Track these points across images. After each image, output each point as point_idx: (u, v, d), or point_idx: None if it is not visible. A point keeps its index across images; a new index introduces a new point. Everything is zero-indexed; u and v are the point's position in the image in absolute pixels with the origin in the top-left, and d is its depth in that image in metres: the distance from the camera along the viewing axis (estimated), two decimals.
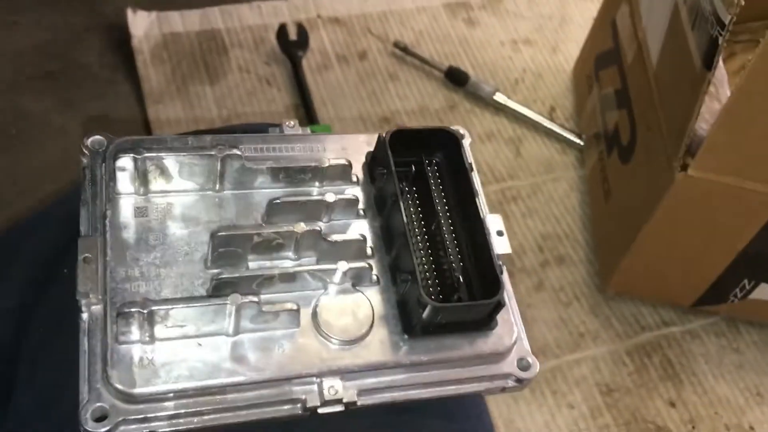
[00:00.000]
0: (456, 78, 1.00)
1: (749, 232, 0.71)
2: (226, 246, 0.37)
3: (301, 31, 1.00)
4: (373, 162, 0.42)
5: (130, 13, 0.97)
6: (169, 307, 0.35)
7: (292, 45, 0.99)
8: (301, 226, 0.38)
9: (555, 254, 0.89)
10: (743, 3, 0.57)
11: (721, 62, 0.70)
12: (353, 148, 0.43)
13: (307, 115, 0.95)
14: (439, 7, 1.09)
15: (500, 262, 0.40)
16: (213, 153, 0.39)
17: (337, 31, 1.04)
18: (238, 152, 0.39)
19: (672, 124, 0.70)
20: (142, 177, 0.39)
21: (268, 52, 1.00)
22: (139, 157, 0.38)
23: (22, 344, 0.42)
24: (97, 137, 0.41)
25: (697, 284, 0.79)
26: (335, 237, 0.39)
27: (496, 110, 1.00)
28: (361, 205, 0.41)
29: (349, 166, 0.42)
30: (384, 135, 0.41)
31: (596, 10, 0.98)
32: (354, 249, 0.39)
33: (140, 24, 0.97)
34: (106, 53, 0.95)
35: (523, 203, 0.92)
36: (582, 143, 0.97)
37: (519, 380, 0.40)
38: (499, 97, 0.99)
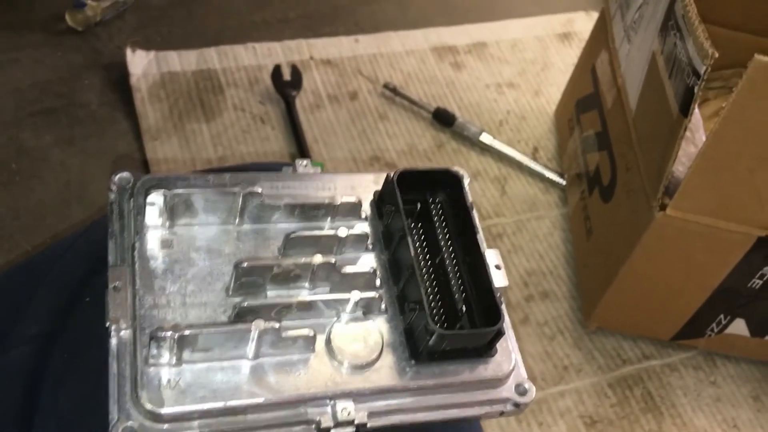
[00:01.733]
0: (443, 119, 1.05)
1: (725, 269, 0.75)
2: (249, 275, 0.40)
3: (295, 72, 1.04)
4: (381, 200, 0.46)
5: (129, 52, 1.00)
6: (198, 331, 0.37)
7: (286, 85, 1.03)
8: (319, 258, 0.41)
9: (539, 290, 0.92)
10: (717, 55, 0.62)
11: (696, 108, 0.75)
12: (362, 187, 0.47)
13: (300, 153, 0.98)
14: (426, 50, 1.13)
15: (499, 294, 0.43)
16: (236, 190, 0.42)
17: (329, 73, 1.08)
18: (259, 190, 0.42)
19: (650, 166, 0.74)
20: (169, 211, 0.41)
21: (263, 92, 1.03)
22: (168, 193, 0.41)
23: (45, 371, 0.44)
24: (125, 174, 0.44)
25: (675, 319, 0.83)
26: (349, 269, 0.42)
27: (482, 150, 1.04)
28: (369, 240, 0.44)
29: (359, 203, 0.45)
30: (392, 175, 0.44)
31: (576, 56, 1.04)
32: (364, 280, 0.42)
33: (139, 63, 1.00)
34: (105, 91, 0.98)
35: (509, 240, 0.96)
36: (564, 183, 1.01)
37: (517, 404, 0.43)
38: (485, 138, 1.03)
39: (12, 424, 0.42)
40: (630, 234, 0.76)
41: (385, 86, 1.06)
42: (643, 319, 0.85)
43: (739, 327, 0.82)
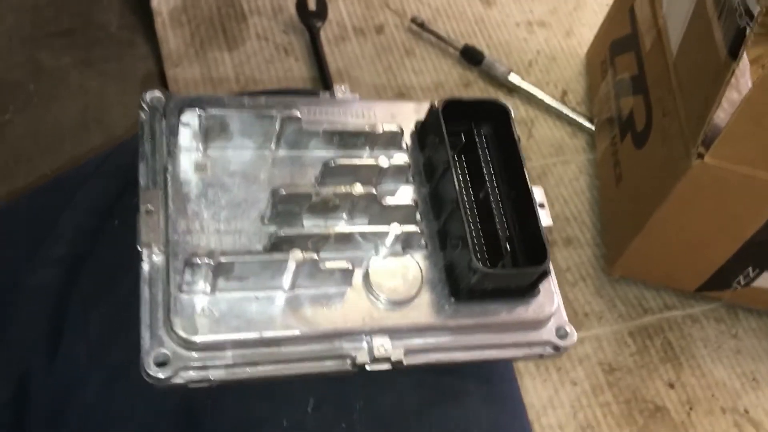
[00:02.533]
0: (471, 57, 1.01)
1: (758, 220, 0.73)
2: (286, 203, 0.38)
3: (321, 1, 1.00)
4: (423, 130, 0.43)
5: None
6: (234, 259, 0.36)
7: (310, 15, 0.99)
8: (358, 188, 0.39)
9: (563, 235, 0.90)
10: None
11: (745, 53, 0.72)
12: (402, 116, 0.45)
13: (324, 86, 0.95)
14: None
15: (545, 233, 0.41)
16: (273, 114, 0.40)
17: (355, 4, 1.04)
18: (298, 114, 0.40)
19: (690, 111, 0.71)
20: (204, 133, 0.39)
21: (287, 21, 1.00)
22: (203, 113, 0.38)
23: (73, 292, 0.43)
24: (156, 93, 0.42)
25: (702, 270, 0.81)
26: (390, 200, 0.40)
27: (510, 91, 1.01)
28: (410, 171, 0.43)
29: (401, 133, 0.43)
30: (437, 104, 0.42)
31: None
32: (405, 213, 0.41)
33: None
34: (124, 12, 0.94)
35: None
36: (593, 127, 0.98)
37: (557, 348, 0.42)
38: (513, 78, 1.00)
39: (41, 343, 0.41)
40: (664, 181, 0.74)
41: (413, 21, 1.03)
42: (669, 269, 0.83)
43: (766, 280, 0.80)
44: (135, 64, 0.91)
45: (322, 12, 1.00)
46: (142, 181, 0.40)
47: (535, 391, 0.80)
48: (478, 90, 1.00)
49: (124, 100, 0.88)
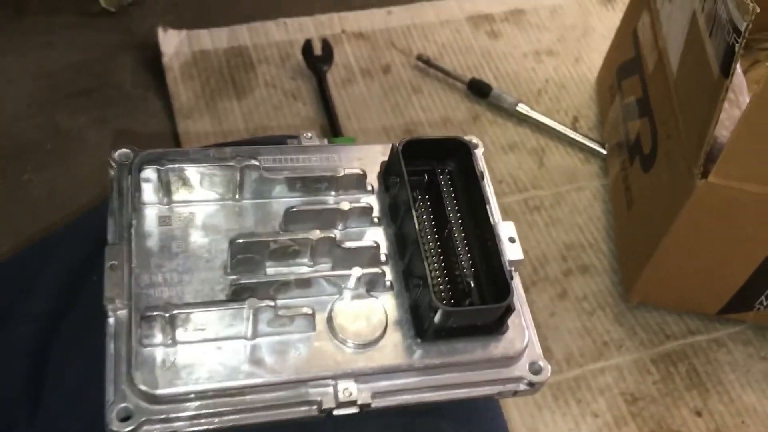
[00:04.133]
0: (479, 89, 1.02)
1: None
2: (245, 252, 0.39)
3: (326, 46, 1.02)
4: (387, 171, 0.44)
5: (161, 31, 1.00)
6: (190, 310, 0.36)
7: (317, 60, 1.01)
8: (316, 233, 0.39)
9: (578, 263, 0.89)
10: (758, 10, 0.57)
11: (739, 69, 0.71)
12: (369, 158, 0.45)
13: (332, 128, 0.97)
14: (462, 20, 1.10)
15: (511, 268, 0.41)
16: (232, 164, 0.41)
17: (361, 46, 1.06)
18: (256, 163, 0.41)
19: (691, 131, 0.70)
20: (165, 187, 0.40)
21: (294, 68, 1.02)
22: (162, 168, 0.40)
23: (52, 348, 0.44)
24: (124, 150, 0.43)
25: (721, 292, 0.79)
26: (349, 244, 0.40)
27: (519, 121, 1.01)
28: (375, 213, 0.43)
29: (364, 175, 0.43)
30: (398, 145, 0.42)
31: (617, 20, 0.99)
32: (368, 256, 0.41)
33: (171, 42, 1.00)
34: (138, 71, 0.98)
35: (547, 213, 0.93)
36: (605, 152, 0.97)
37: (531, 384, 0.41)
38: (522, 108, 1.00)
39: (19, 399, 0.42)
40: (671, 204, 0.73)
41: (419, 58, 1.04)
42: (687, 293, 0.81)
43: None
44: (148, 120, 0.94)
45: (328, 56, 1.02)
46: (109, 237, 0.41)
47: (555, 424, 0.78)
48: (487, 122, 1.00)
49: None
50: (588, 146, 0.98)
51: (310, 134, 0.46)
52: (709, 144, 0.67)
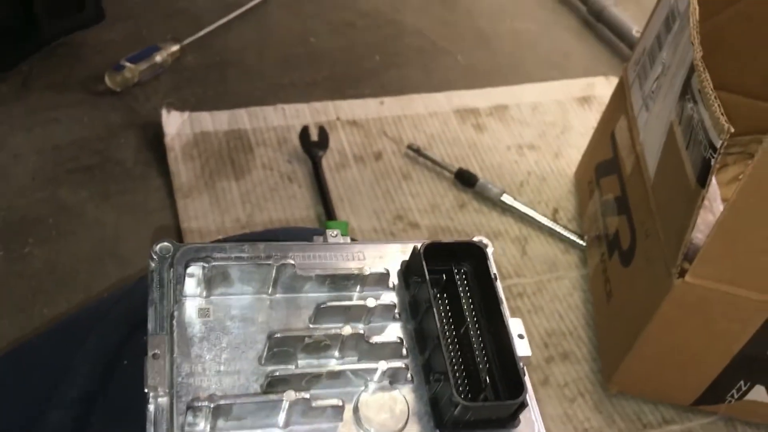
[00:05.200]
0: (465, 179, 1.07)
1: (744, 336, 0.76)
2: (281, 346, 0.42)
3: (322, 132, 1.07)
4: (408, 270, 0.48)
5: (164, 112, 1.04)
6: (233, 402, 0.39)
7: (313, 145, 1.06)
8: (348, 330, 0.43)
9: (559, 350, 0.93)
10: (732, 130, 0.64)
11: (714, 179, 0.77)
12: (389, 257, 0.49)
13: (326, 211, 1.01)
14: (449, 113, 1.17)
15: (522, 365, 0.44)
16: (270, 263, 0.44)
17: (354, 133, 1.11)
18: (292, 261, 0.45)
19: (669, 233, 0.76)
20: (207, 282, 0.44)
21: (291, 151, 1.07)
22: (207, 265, 0.43)
23: None
24: (165, 244, 0.46)
25: (695, 385, 0.83)
26: (376, 339, 0.44)
27: (503, 210, 1.06)
28: (396, 309, 0.46)
29: (387, 274, 0.47)
30: (419, 247, 0.46)
31: (595, 120, 1.06)
32: (391, 350, 0.44)
33: (173, 123, 1.04)
34: (140, 149, 1.02)
35: (529, 300, 0.97)
36: (584, 244, 1.02)
37: None
38: (506, 199, 1.06)
39: None
40: (649, 300, 0.77)
41: (409, 147, 1.09)
42: (664, 385, 0.85)
43: (759, 394, 0.82)
44: (148, 198, 0.97)
45: (323, 142, 1.07)
46: (150, 326, 0.43)
47: None
48: (473, 210, 1.06)
49: (137, 231, 0.94)
50: (567, 237, 1.04)
51: (335, 233, 0.50)
52: (686, 246, 0.72)
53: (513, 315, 0.48)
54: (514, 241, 1.03)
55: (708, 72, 0.69)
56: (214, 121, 1.07)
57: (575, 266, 1.02)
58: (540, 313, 0.96)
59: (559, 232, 1.04)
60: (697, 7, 0.80)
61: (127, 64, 1.07)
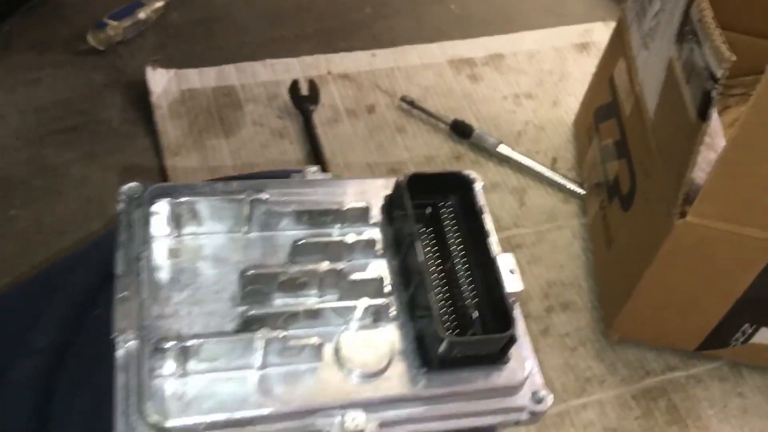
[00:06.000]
0: (461, 130, 1.04)
1: (748, 277, 0.73)
2: (255, 283, 0.40)
3: (312, 86, 1.04)
4: (390, 204, 0.45)
5: (149, 70, 1.01)
6: (202, 341, 0.37)
7: (303, 100, 1.03)
8: (324, 266, 0.41)
9: (560, 300, 0.91)
10: (734, 59, 0.61)
11: (715, 114, 0.74)
12: (372, 192, 0.47)
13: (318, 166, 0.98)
14: (444, 63, 1.13)
15: (513, 299, 0.42)
16: (242, 197, 0.42)
17: (346, 87, 1.08)
18: (265, 196, 0.42)
19: (669, 173, 0.73)
20: (176, 220, 0.42)
21: (281, 107, 1.04)
22: (174, 201, 0.41)
23: (56, 382, 0.44)
24: (133, 184, 0.44)
25: (699, 329, 0.81)
26: (355, 276, 0.42)
27: (500, 161, 1.03)
28: (379, 246, 0.44)
29: (367, 208, 0.45)
30: (402, 179, 0.44)
31: (594, 66, 1.03)
32: (373, 287, 0.42)
33: (159, 81, 1.01)
34: (126, 108, 0.99)
35: (528, 251, 0.95)
36: (584, 192, 1.00)
37: (533, 413, 0.42)
38: (503, 149, 1.03)
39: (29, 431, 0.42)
40: (650, 242, 0.75)
41: (403, 99, 1.06)
42: (666, 330, 0.83)
43: (765, 336, 0.79)
44: (136, 156, 0.95)
45: (314, 96, 1.04)
46: (119, 269, 0.41)
47: None
48: (469, 162, 1.03)
49: None
50: (567, 186, 1.01)
51: (314, 168, 0.47)
52: (687, 185, 0.69)
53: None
54: (513, 192, 1.01)
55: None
56: (202, 78, 1.04)
57: (575, 215, 0.99)
58: (540, 264, 0.94)
59: (558, 182, 1.01)
60: None
61: (110, 22, 1.03)
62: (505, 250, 0.97)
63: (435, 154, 1.03)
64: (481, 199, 0.45)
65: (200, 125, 1.00)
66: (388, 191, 0.46)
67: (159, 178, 0.94)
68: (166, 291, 0.40)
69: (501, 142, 1.03)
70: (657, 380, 0.85)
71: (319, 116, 1.04)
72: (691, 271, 0.75)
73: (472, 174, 0.47)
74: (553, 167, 1.03)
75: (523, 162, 1.02)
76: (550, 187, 1.02)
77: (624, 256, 0.84)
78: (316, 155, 0.99)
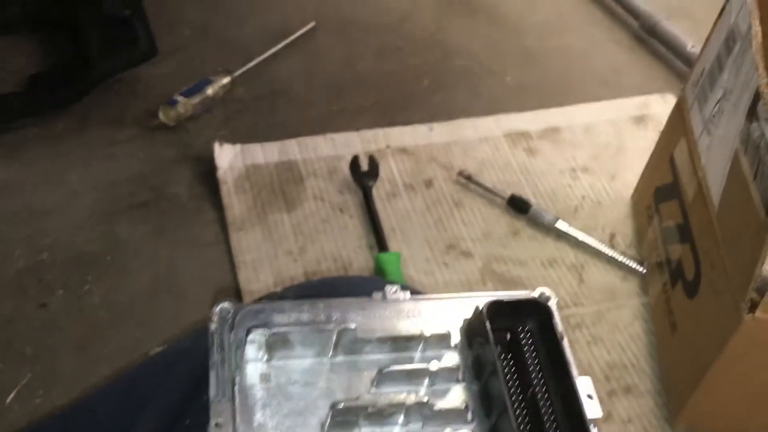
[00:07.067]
0: (518, 206, 1.05)
1: None
2: (344, 416, 0.41)
3: (372, 162, 1.07)
4: (470, 330, 0.46)
5: (216, 146, 1.05)
6: None
7: (363, 175, 1.06)
8: (411, 398, 0.42)
9: (622, 384, 0.90)
10: None
11: None
12: (451, 312, 0.48)
13: (378, 242, 1.00)
14: (500, 137, 1.15)
15: (593, 426, 0.43)
16: (331, 327, 0.44)
17: (404, 161, 1.10)
18: (353, 326, 0.44)
19: (737, 266, 0.73)
20: (268, 347, 0.43)
21: (341, 182, 1.06)
22: (268, 332, 0.42)
23: None
24: (225, 305, 0.46)
25: None
26: (440, 405, 0.43)
27: (558, 236, 1.04)
28: (460, 372, 0.45)
29: (448, 335, 0.46)
30: (481, 307, 0.45)
31: (652, 140, 1.03)
32: (457, 415, 0.43)
33: (225, 156, 1.05)
34: (194, 183, 1.03)
35: (588, 331, 0.95)
36: (644, 271, 0.99)
37: None
38: (561, 225, 1.03)
39: None
40: (718, 335, 0.74)
41: (460, 174, 1.08)
42: (736, 421, 0.82)
43: None
44: (202, 231, 0.98)
45: (374, 172, 1.06)
46: (212, 392, 0.43)
47: None
48: (527, 237, 1.04)
49: (192, 266, 0.95)
50: (626, 264, 1.01)
51: (394, 288, 0.49)
52: (755, 281, 0.69)
53: (571, 346, 0.46)
54: (571, 269, 1.01)
55: None
56: (265, 153, 1.08)
57: (635, 294, 0.99)
58: (600, 344, 0.93)
59: (617, 259, 1.01)
60: (759, 29, 0.77)
61: (181, 99, 1.08)
62: (564, 329, 0.97)
63: (492, 229, 1.04)
64: (560, 324, 0.46)
65: (263, 200, 1.03)
66: (466, 310, 0.47)
67: (224, 254, 0.97)
68: (259, 417, 0.42)
69: (558, 218, 1.03)
70: None
71: (377, 190, 1.06)
72: (763, 364, 0.74)
73: (547, 291, 0.48)
74: (611, 244, 1.03)
75: (580, 238, 1.03)
76: (608, 264, 1.01)
77: (690, 343, 0.83)
78: (375, 231, 1.01)
